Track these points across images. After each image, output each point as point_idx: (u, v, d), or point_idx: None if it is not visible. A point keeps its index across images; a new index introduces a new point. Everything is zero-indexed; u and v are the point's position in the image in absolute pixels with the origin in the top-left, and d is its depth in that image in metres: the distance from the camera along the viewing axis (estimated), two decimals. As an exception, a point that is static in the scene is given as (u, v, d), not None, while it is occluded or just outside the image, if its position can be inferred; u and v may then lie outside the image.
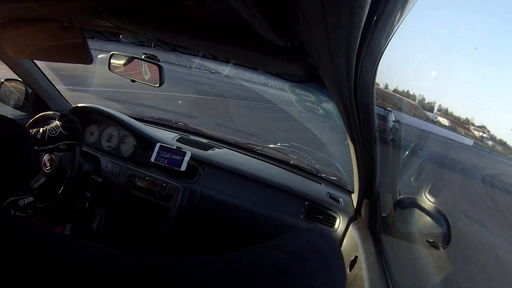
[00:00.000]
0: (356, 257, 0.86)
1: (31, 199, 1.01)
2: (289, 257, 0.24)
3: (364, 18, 0.28)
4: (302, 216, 1.14)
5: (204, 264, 0.19)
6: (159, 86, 1.07)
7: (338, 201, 1.16)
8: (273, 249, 0.25)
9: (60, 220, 1.16)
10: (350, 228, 1.07)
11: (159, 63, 1.06)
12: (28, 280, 0.14)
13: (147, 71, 1.08)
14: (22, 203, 0.94)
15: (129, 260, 0.17)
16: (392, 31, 0.38)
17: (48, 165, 1.15)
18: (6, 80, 1.46)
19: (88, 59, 0.92)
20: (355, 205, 1.13)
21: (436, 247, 0.92)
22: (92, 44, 0.95)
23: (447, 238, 0.88)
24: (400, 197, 1.00)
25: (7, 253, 0.15)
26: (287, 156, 1.46)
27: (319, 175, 1.35)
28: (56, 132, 0.98)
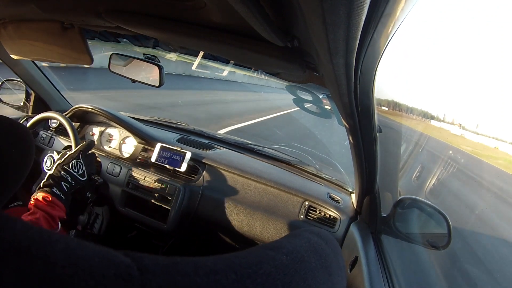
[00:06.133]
0: (356, 257, 0.86)
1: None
2: (288, 258, 0.24)
3: (363, 18, 0.28)
4: (302, 217, 1.13)
5: (202, 265, 0.19)
6: (159, 86, 1.07)
7: (338, 201, 1.16)
8: (272, 249, 0.25)
9: (66, 225, 1.16)
10: (351, 228, 1.06)
11: (159, 64, 1.06)
12: (27, 281, 0.14)
13: (147, 72, 1.08)
14: None
15: (127, 260, 0.17)
16: (392, 31, 0.38)
17: (49, 164, 1.16)
18: (6, 80, 1.46)
19: (88, 59, 0.92)
20: (355, 205, 1.13)
21: (436, 247, 0.92)
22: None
23: (447, 238, 0.88)
24: (401, 197, 0.99)
25: (6, 253, 0.15)
26: (287, 156, 1.46)
27: (319, 175, 1.35)
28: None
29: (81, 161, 0.99)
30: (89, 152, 1.05)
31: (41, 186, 0.88)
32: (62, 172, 0.93)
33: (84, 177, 0.99)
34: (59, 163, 0.95)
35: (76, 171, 0.96)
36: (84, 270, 0.16)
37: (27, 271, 0.14)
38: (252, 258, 0.22)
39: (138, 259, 0.18)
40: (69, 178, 0.93)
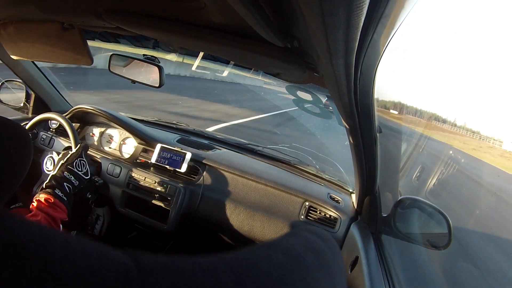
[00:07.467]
0: (356, 257, 0.86)
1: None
2: (286, 256, 0.24)
3: (363, 19, 0.28)
4: (302, 217, 1.13)
5: (201, 263, 0.19)
6: (159, 87, 1.07)
7: (338, 202, 1.16)
8: (270, 248, 0.25)
9: (68, 226, 1.16)
10: (351, 228, 1.06)
11: (159, 64, 1.06)
12: (25, 278, 0.14)
13: (147, 72, 1.08)
14: None
15: (126, 259, 0.17)
16: (392, 31, 0.38)
17: (49, 165, 1.16)
18: (6, 80, 1.46)
19: (88, 60, 0.92)
20: (355, 205, 1.13)
21: (437, 247, 0.92)
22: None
23: (447, 238, 0.88)
24: (401, 197, 0.99)
25: (4, 250, 0.15)
26: (288, 156, 1.46)
27: (320, 175, 1.35)
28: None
29: (84, 159, 0.99)
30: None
31: (44, 187, 0.87)
32: (66, 172, 0.92)
33: (88, 176, 0.99)
34: (62, 163, 0.95)
35: (80, 170, 0.96)
36: (83, 268, 0.16)
37: (26, 269, 0.14)
38: (250, 257, 0.22)
39: (137, 258, 0.18)
40: (72, 178, 0.93)
